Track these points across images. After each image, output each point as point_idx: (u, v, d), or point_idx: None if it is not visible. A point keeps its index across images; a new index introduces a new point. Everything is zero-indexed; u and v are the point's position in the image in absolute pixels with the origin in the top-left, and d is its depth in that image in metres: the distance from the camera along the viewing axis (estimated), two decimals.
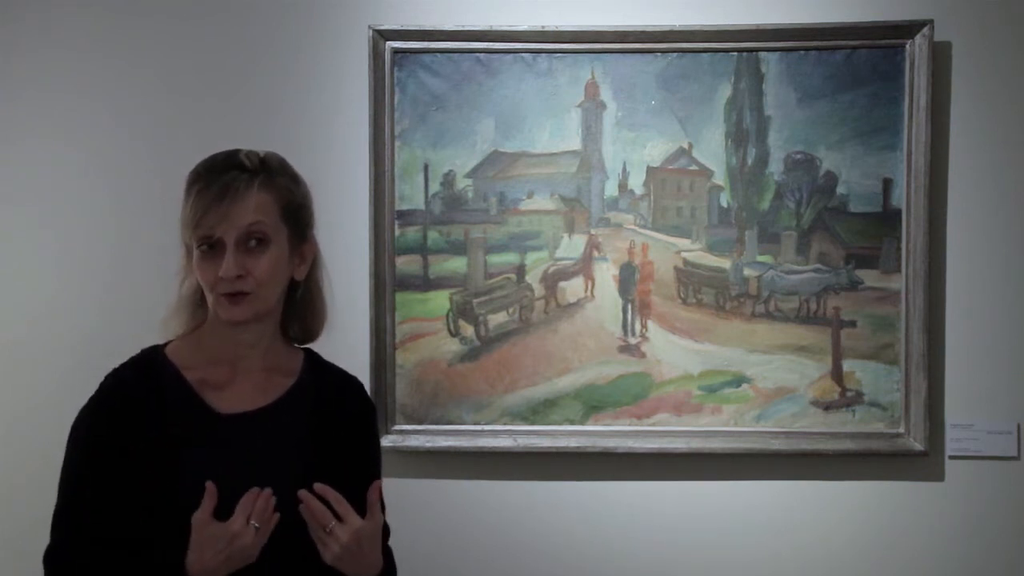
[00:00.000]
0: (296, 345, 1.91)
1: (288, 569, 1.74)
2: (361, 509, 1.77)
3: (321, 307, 1.88)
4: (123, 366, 1.81)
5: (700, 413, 2.64)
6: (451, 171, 2.66)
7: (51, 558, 1.74)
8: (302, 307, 1.87)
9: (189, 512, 1.68)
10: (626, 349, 2.65)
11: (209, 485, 1.67)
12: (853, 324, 2.62)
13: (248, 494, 1.68)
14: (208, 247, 1.72)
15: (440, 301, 2.66)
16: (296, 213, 1.79)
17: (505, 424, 2.65)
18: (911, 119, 2.58)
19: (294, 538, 1.73)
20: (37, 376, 2.69)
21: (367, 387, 2.03)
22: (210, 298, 1.75)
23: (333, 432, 1.84)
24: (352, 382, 1.94)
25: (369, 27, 2.62)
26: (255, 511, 1.68)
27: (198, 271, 1.74)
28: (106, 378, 1.79)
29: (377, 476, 1.94)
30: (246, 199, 1.72)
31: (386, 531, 1.95)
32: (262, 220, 1.73)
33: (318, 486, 1.72)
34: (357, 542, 1.72)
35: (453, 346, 2.66)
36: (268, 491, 1.69)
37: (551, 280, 2.67)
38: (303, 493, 1.71)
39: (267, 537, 1.69)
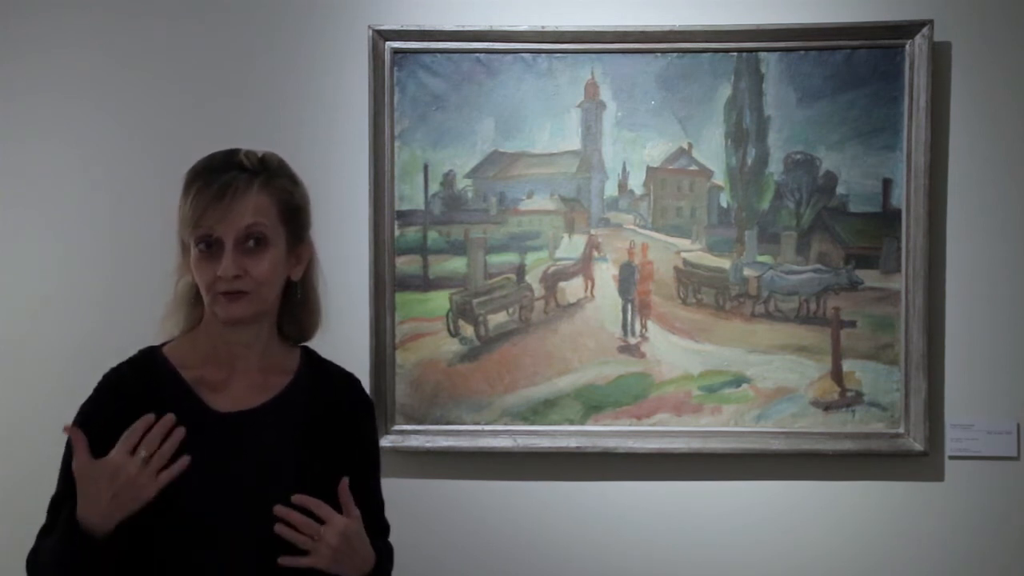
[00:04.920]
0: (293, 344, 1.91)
1: (286, 570, 1.74)
2: (358, 507, 1.77)
3: (316, 307, 1.88)
4: (121, 364, 1.82)
5: (700, 413, 2.64)
6: (451, 171, 2.66)
7: (40, 536, 1.77)
8: (297, 307, 1.87)
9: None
10: (626, 349, 2.65)
11: (74, 430, 1.63)
12: (853, 324, 2.62)
13: (140, 421, 1.63)
14: (206, 246, 1.72)
15: (440, 301, 2.66)
16: (294, 214, 1.80)
17: (505, 424, 2.65)
18: (911, 119, 2.58)
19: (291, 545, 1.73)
20: (37, 375, 2.69)
21: (367, 387, 2.03)
22: (207, 297, 1.75)
23: (331, 428, 1.84)
24: (349, 378, 1.94)
25: (369, 27, 2.62)
26: (146, 440, 1.62)
27: (196, 270, 1.74)
28: (104, 376, 1.80)
29: (376, 471, 1.95)
30: (246, 199, 1.72)
31: (386, 528, 1.95)
32: (261, 221, 1.73)
33: (296, 497, 1.70)
34: (347, 541, 1.71)
35: (453, 346, 2.66)
36: (167, 417, 1.63)
37: (551, 280, 2.67)
38: (280, 508, 1.68)
39: (170, 476, 1.63)
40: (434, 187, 2.66)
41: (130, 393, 1.76)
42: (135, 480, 1.62)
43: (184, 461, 1.64)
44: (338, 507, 1.75)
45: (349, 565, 1.74)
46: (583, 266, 2.67)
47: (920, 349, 2.58)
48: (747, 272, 2.64)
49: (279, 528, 1.69)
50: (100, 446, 1.72)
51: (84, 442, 1.63)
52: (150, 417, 1.64)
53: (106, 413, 1.74)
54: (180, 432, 1.64)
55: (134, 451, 1.62)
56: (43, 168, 2.70)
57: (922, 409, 2.59)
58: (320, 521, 1.70)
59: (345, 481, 1.75)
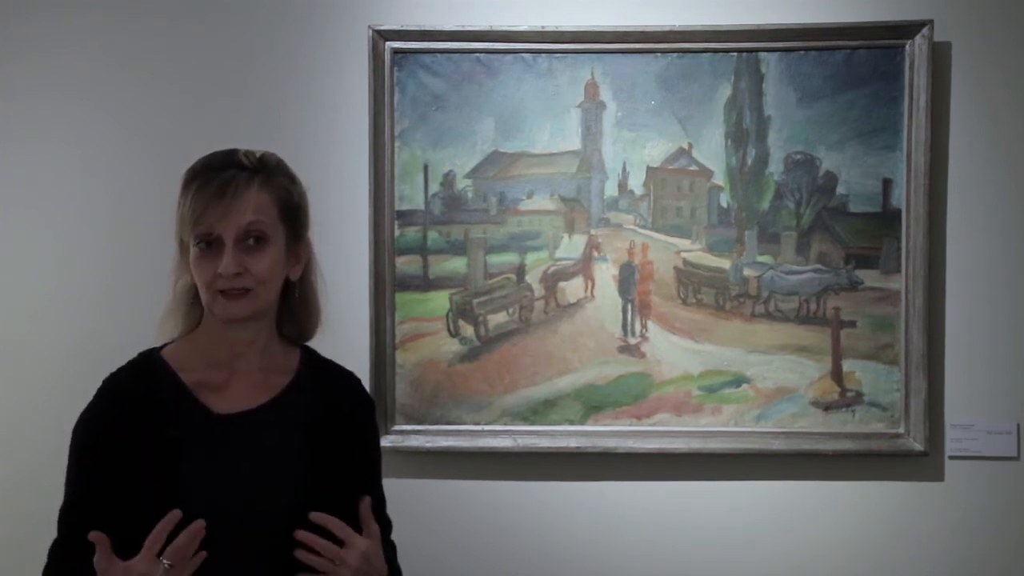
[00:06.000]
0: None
1: (289, 571, 1.74)
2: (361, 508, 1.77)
3: (315, 307, 1.88)
4: (120, 370, 1.81)
5: (700, 413, 2.64)
6: (451, 171, 2.66)
7: (53, 552, 1.76)
8: (297, 307, 1.86)
9: (190, 514, 1.68)
10: (626, 349, 2.65)
11: (97, 535, 1.61)
12: (853, 324, 2.62)
13: (164, 522, 1.62)
14: (206, 245, 1.72)
15: (440, 301, 2.66)
16: (294, 213, 1.80)
17: (505, 424, 2.65)
18: (911, 119, 2.58)
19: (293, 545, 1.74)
20: (37, 375, 2.69)
21: (367, 387, 2.03)
22: (206, 296, 1.74)
23: (332, 427, 1.84)
24: (349, 377, 1.94)
25: (369, 27, 2.62)
26: (171, 548, 1.62)
27: (195, 269, 1.73)
28: (103, 382, 1.80)
29: (378, 469, 1.95)
30: (246, 197, 1.72)
31: (388, 525, 1.95)
32: (262, 219, 1.73)
33: (315, 515, 1.71)
34: (366, 561, 1.73)
35: (453, 346, 2.66)
36: (198, 524, 1.63)
37: (551, 280, 2.67)
38: (301, 533, 1.70)
39: None
40: (434, 187, 2.66)
41: (129, 398, 1.75)
42: None
43: (199, 558, 1.63)
44: (343, 513, 1.75)
45: None
46: (583, 266, 2.67)
47: (920, 349, 2.58)
48: (747, 272, 2.64)
49: (300, 554, 1.70)
50: (101, 453, 1.72)
51: (107, 543, 1.62)
52: (177, 514, 1.63)
53: (106, 420, 1.74)
54: (202, 555, 1.63)
55: (159, 553, 1.61)
56: (43, 168, 2.70)
57: (922, 409, 2.59)
58: (339, 542, 1.71)
59: (367, 500, 1.76)
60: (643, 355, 2.65)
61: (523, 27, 2.62)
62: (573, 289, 2.67)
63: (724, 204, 2.64)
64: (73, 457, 1.77)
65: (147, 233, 2.62)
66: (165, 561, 1.61)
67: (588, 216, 2.66)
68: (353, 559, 1.71)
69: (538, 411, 2.65)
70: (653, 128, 2.64)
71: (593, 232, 2.66)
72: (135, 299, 2.59)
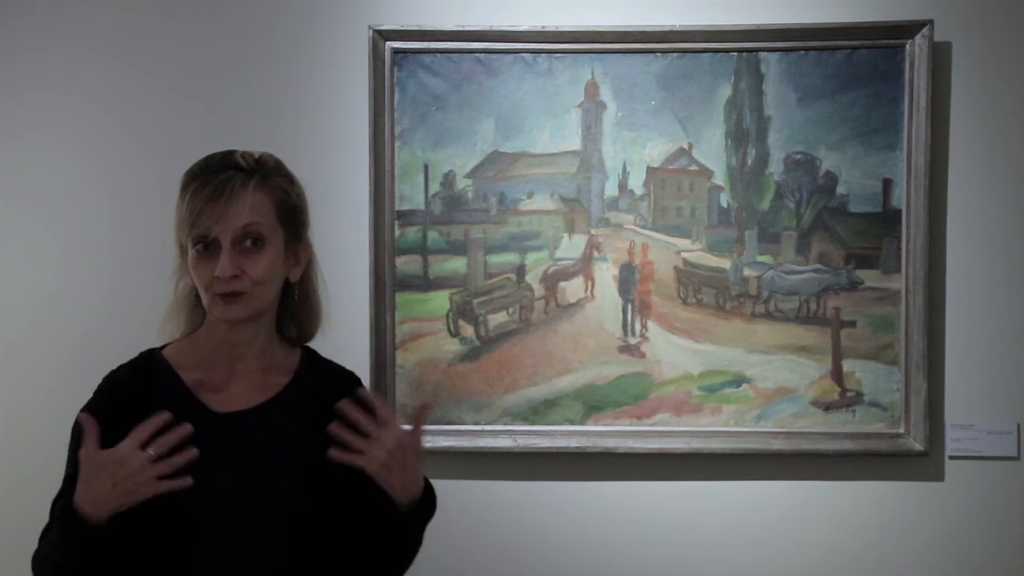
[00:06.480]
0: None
1: (289, 571, 1.74)
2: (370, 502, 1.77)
3: (316, 308, 1.88)
4: (120, 367, 1.81)
5: (700, 413, 2.64)
6: (451, 171, 2.66)
7: (42, 537, 1.75)
8: (297, 308, 1.86)
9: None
10: (626, 349, 2.65)
11: (86, 417, 1.62)
12: (853, 324, 2.62)
13: (156, 417, 1.62)
14: (203, 247, 1.72)
15: (440, 301, 2.66)
16: (292, 214, 1.79)
17: (505, 424, 2.65)
18: (911, 119, 2.58)
19: (299, 542, 1.74)
20: (37, 375, 2.69)
21: (367, 387, 2.02)
22: (205, 298, 1.74)
23: None
24: (350, 377, 1.94)
25: (369, 27, 2.62)
26: (159, 442, 1.60)
27: (193, 271, 1.74)
28: (104, 379, 1.80)
29: None
30: (242, 199, 1.71)
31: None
32: (258, 220, 1.73)
33: (362, 390, 1.78)
34: (401, 448, 1.70)
35: (453, 346, 2.66)
36: (185, 427, 1.62)
37: (551, 280, 2.67)
38: (343, 403, 1.70)
39: (169, 487, 1.60)
40: (434, 187, 2.66)
41: (128, 395, 1.75)
42: (135, 475, 1.60)
43: (186, 481, 1.62)
44: (341, 512, 1.75)
45: (400, 477, 1.72)
46: (583, 266, 2.67)
47: (920, 349, 2.58)
48: (747, 272, 2.64)
49: (333, 428, 1.70)
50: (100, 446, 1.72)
51: (95, 431, 1.62)
52: (167, 415, 1.63)
53: (105, 414, 1.74)
54: (192, 451, 1.62)
55: (144, 446, 1.61)
56: (43, 168, 2.70)
57: (922, 409, 2.59)
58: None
59: (426, 405, 1.83)
60: (643, 355, 2.65)
61: (523, 27, 2.62)
62: (573, 289, 2.67)
63: (724, 204, 2.65)
64: (72, 449, 1.76)
65: (147, 233, 2.62)
66: (151, 451, 1.60)
67: (588, 216, 2.66)
68: (389, 439, 1.69)
69: (538, 411, 2.65)
70: (653, 128, 2.64)
71: (593, 232, 2.66)
72: (135, 299, 2.59)
